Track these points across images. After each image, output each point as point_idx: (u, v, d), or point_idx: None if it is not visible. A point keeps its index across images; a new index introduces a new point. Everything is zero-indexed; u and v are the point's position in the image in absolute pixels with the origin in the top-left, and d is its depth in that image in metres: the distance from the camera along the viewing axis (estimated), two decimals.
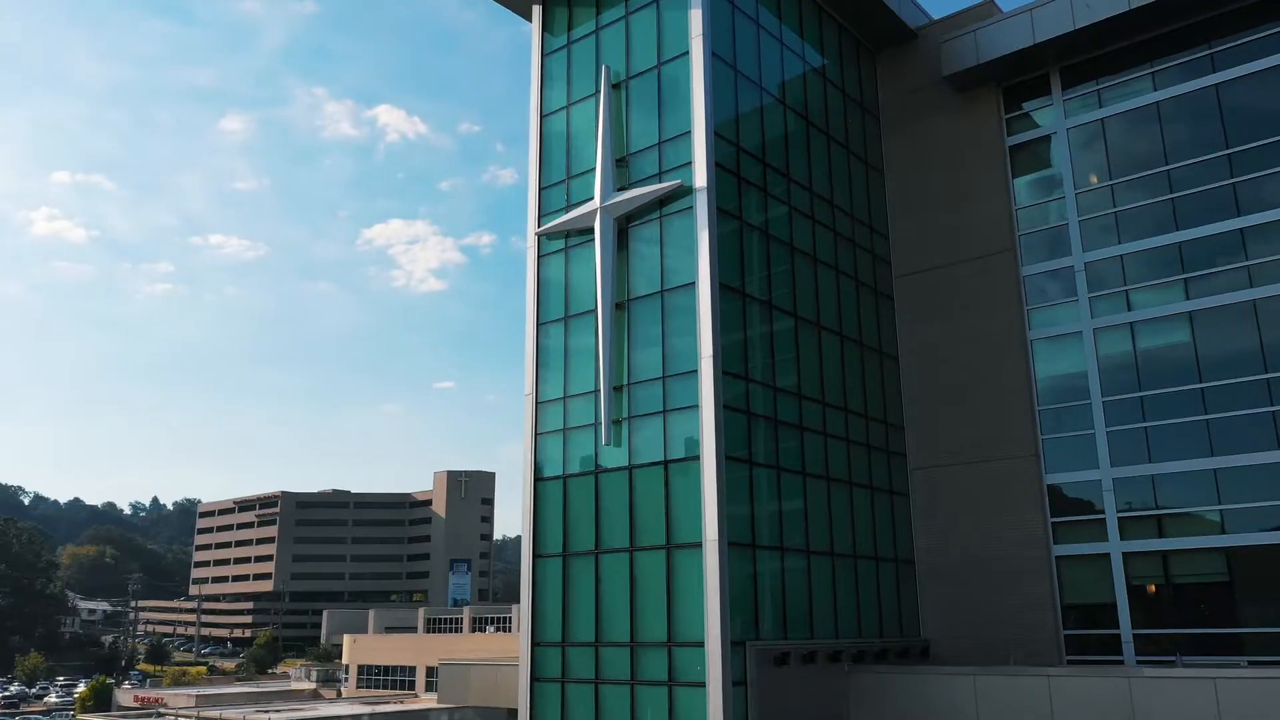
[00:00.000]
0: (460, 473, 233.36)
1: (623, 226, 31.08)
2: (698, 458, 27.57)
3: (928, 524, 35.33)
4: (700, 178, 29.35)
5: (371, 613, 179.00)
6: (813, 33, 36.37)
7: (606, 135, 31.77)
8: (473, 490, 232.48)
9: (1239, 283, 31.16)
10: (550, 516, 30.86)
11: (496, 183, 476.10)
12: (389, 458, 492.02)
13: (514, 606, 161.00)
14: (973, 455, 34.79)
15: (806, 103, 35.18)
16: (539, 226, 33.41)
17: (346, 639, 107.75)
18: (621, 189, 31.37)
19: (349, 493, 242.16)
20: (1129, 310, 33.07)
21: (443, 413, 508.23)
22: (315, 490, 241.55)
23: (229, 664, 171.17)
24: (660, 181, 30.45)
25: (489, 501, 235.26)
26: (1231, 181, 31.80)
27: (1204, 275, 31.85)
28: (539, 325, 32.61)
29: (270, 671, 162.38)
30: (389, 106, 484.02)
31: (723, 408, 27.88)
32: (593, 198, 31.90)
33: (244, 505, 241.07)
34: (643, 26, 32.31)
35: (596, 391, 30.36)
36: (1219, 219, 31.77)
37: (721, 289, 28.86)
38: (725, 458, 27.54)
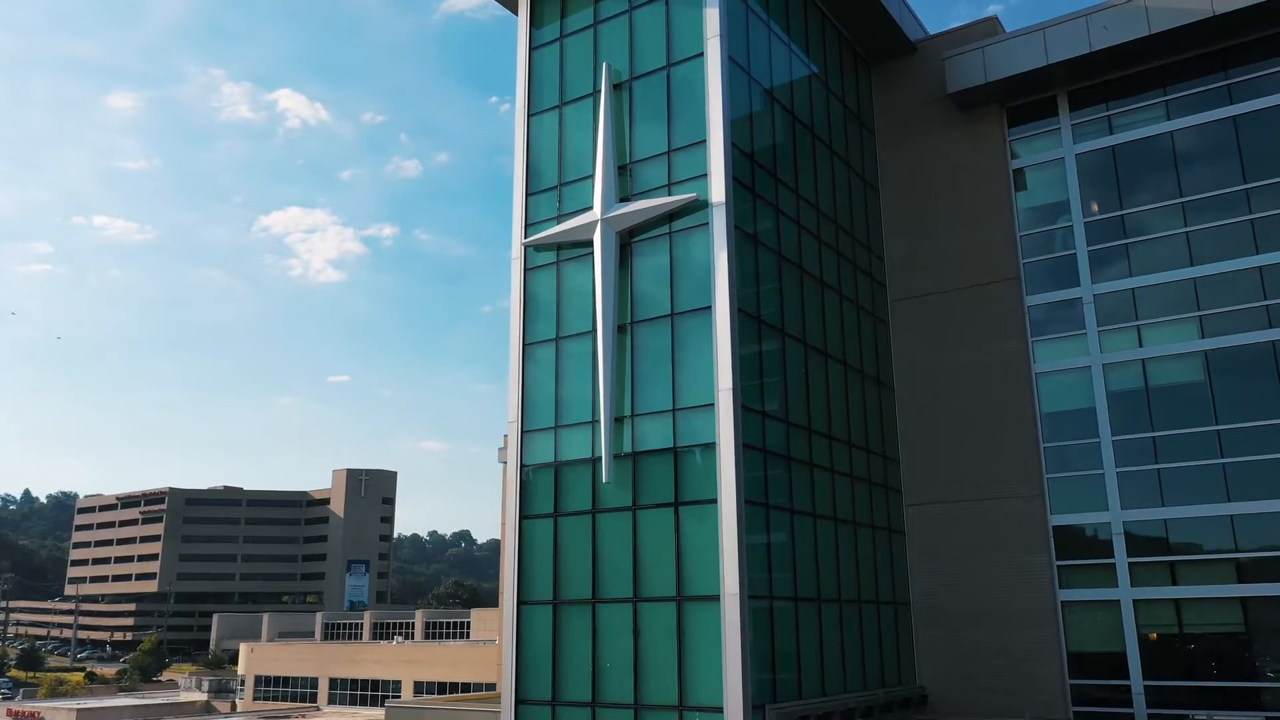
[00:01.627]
0: (361, 471, 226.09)
1: (625, 241, 28.32)
2: (715, 501, 25.03)
3: (925, 565, 33.57)
4: (718, 192, 26.82)
5: (266, 617, 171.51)
6: (816, 39, 34.22)
7: (608, 140, 28.97)
8: (373, 489, 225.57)
9: (1257, 323, 30.18)
10: (539, 559, 27.92)
11: (400, 174, 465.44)
12: (283, 453, 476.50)
13: (418, 613, 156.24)
14: (973, 492, 33.16)
15: (812, 113, 33.00)
16: (526, 237, 30.37)
17: (244, 648, 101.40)
18: (624, 199, 28.61)
19: (241, 489, 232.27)
20: (1140, 346, 31.84)
21: (338, 407, 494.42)
22: (205, 487, 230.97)
23: (109, 670, 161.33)
24: (670, 194, 27.80)
25: (390, 501, 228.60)
26: (1250, 218, 30.83)
27: (1220, 313, 30.79)
28: (525, 346, 29.60)
29: (156, 679, 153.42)
30: (289, 91, 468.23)
31: (742, 446, 25.41)
32: (590, 207, 29.07)
33: (128, 501, 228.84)
34: (649, 23, 29.60)
35: (595, 423, 27.55)
36: (1236, 256, 30.75)
37: (739, 315, 26.39)
38: (745, 501, 25.09)
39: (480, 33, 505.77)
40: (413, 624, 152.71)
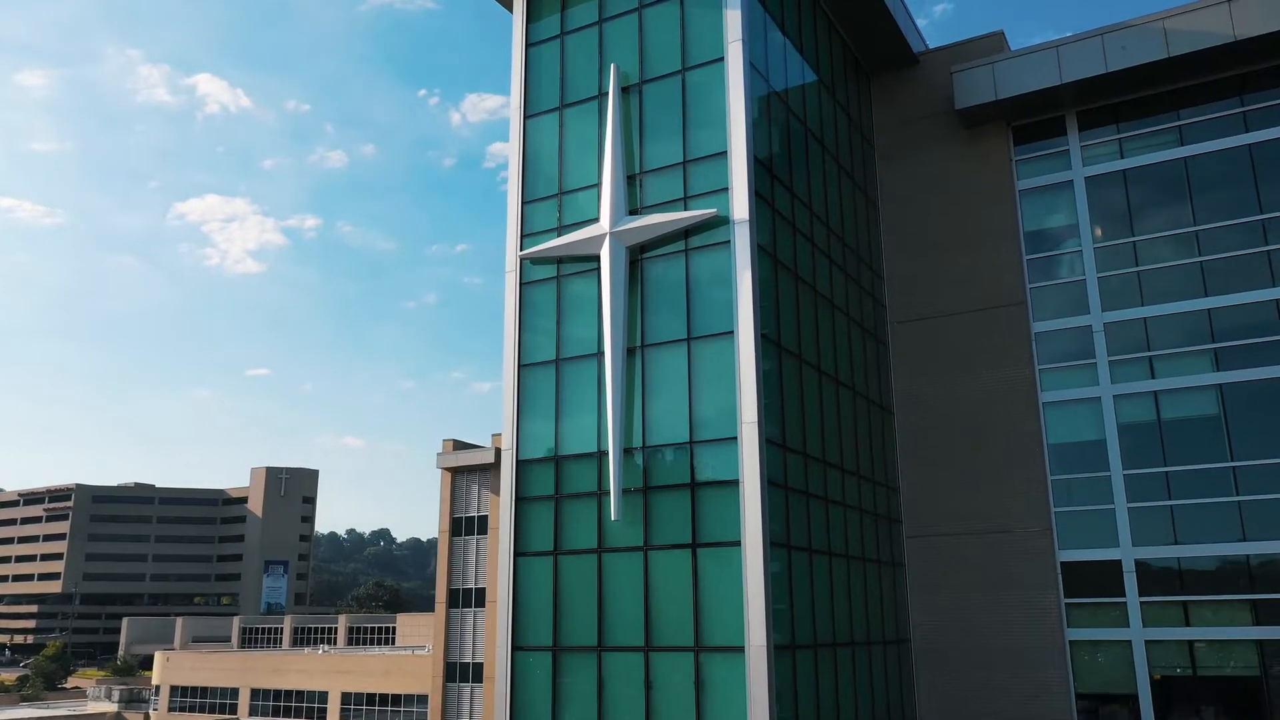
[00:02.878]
0: (281, 469, 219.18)
1: (635, 257, 26.25)
2: (738, 543, 23.14)
3: (925, 600, 32.20)
4: (740, 208, 24.93)
5: (180, 621, 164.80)
6: (823, 46, 32.57)
7: (616, 147, 26.86)
8: (293, 488, 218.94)
9: (1273, 357, 29.43)
10: (536, 601, 25.67)
11: (324, 164, 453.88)
12: (198, 448, 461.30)
13: (341, 617, 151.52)
14: (977, 525, 31.90)
15: (821, 124, 31.34)
16: (523, 248, 28.08)
17: (159, 656, 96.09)
18: (633, 212, 26.54)
19: (153, 487, 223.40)
20: (1152, 378, 30.91)
21: (256, 401, 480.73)
22: (115, 484, 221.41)
23: (9, 676, 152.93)
24: (686, 208, 25.81)
25: (311, 500, 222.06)
26: (1266, 249, 30.10)
27: (1236, 346, 30.00)
28: (521, 368, 27.30)
29: (60, 686, 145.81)
30: (210, 76, 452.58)
31: (767, 483, 23.56)
32: (596, 219, 26.93)
33: (30, 498, 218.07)
34: (661, 23, 27.57)
35: (601, 454, 25.42)
36: (1253, 288, 29.99)
37: (762, 341, 24.55)
38: (770, 543, 23.25)
39: (410, 24, 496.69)
40: (335, 629, 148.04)
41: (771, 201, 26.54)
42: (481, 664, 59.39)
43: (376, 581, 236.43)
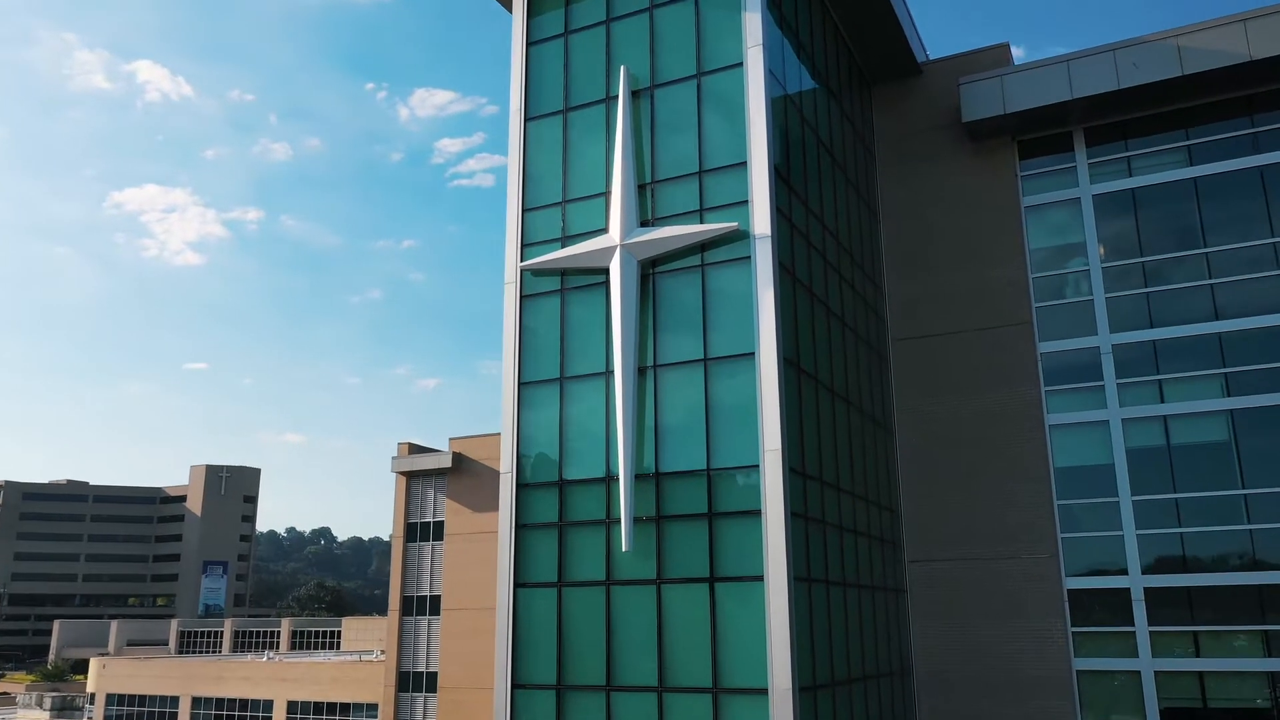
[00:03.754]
0: (221, 468, 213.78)
1: (646, 271, 24.84)
2: (760, 577, 21.86)
3: (927, 627, 31.25)
4: (762, 222, 23.65)
5: (114, 624, 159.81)
6: (830, 52, 31.46)
7: (627, 154, 25.43)
8: (234, 487, 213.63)
9: None
10: (538, 635, 24.12)
11: (269, 156, 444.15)
12: (133, 444, 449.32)
13: (284, 620, 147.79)
14: (981, 550, 31.04)
15: (830, 134, 30.22)
16: (524, 259, 26.51)
17: (94, 663, 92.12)
18: (645, 224, 25.13)
19: (87, 484, 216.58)
20: (1162, 402, 30.29)
21: (195, 396, 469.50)
22: (46, 480, 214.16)
23: None
24: (702, 220, 24.47)
25: (252, 499, 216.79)
26: (1278, 274, 29.62)
27: (1247, 372, 29.49)
28: (521, 386, 25.73)
29: None
30: (150, 63, 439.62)
31: (791, 514, 22.32)
32: (604, 230, 25.48)
33: None
34: (674, 24, 26.19)
35: (610, 480, 23.98)
36: (1265, 312, 29.50)
37: (785, 364, 23.30)
38: (795, 578, 22.01)
39: (359, 16, 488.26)
40: (278, 632, 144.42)
41: (789, 215, 25.32)
42: (435, 673, 57.74)
43: (318, 582, 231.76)
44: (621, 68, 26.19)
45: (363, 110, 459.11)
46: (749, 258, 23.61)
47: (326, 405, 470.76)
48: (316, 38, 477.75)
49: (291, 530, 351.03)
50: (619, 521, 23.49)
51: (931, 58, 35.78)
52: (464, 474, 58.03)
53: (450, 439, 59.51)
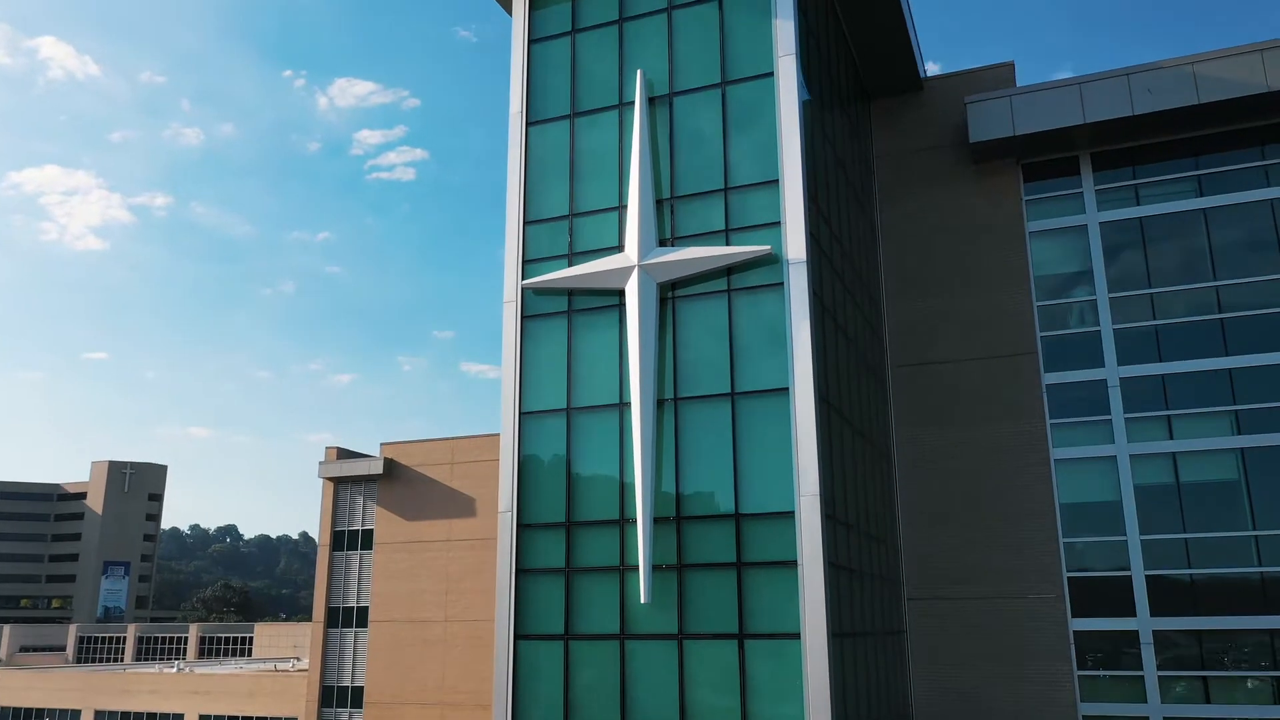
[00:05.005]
0: (125, 464, 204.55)
1: (665, 294, 22.85)
2: (797, 635, 20.06)
3: (926, 669, 29.92)
4: (796, 246, 21.87)
5: (6, 629, 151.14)
6: (839, 64, 29.88)
7: (645, 167, 23.40)
8: (138, 484, 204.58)
9: None
10: (542, 694, 21.91)
11: (179, 141, 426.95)
12: (27, 436, 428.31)
13: (192, 626, 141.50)
14: (983, 589, 29.83)
15: (842, 149, 28.63)
16: (525, 276, 24.26)
17: None
18: (664, 243, 23.13)
19: None
20: (1171, 439, 29.48)
21: (94, 387, 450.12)
22: None
23: None
24: (728, 241, 22.58)
25: (158, 497, 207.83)
26: None
27: (1258, 409, 28.83)
28: (522, 415, 23.49)
29: None
30: (54, 39, 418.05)
31: (829, 565, 20.59)
32: (617, 248, 23.41)
33: None
34: (695, 27, 24.25)
35: (625, 522, 21.92)
36: (1275, 349, 28.87)
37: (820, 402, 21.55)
38: (833, 635, 20.28)
39: (279, 0, 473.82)
40: (186, 639, 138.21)
41: (818, 237, 23.60)
42: (361, 688, 55.44)
43: (224, 582, 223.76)
44: (638, 72, 24.14)
45: (280, 98, 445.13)
46: (782, 284, 21.81)
47: (234, 399, 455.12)
48: (234, 21, 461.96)
49: (195, 527, 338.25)
50: (636, 569, 21.45)
51: (928, 73, 34.53)
52: (396, 481, 55.98)
53: (382, 444, 57.37)
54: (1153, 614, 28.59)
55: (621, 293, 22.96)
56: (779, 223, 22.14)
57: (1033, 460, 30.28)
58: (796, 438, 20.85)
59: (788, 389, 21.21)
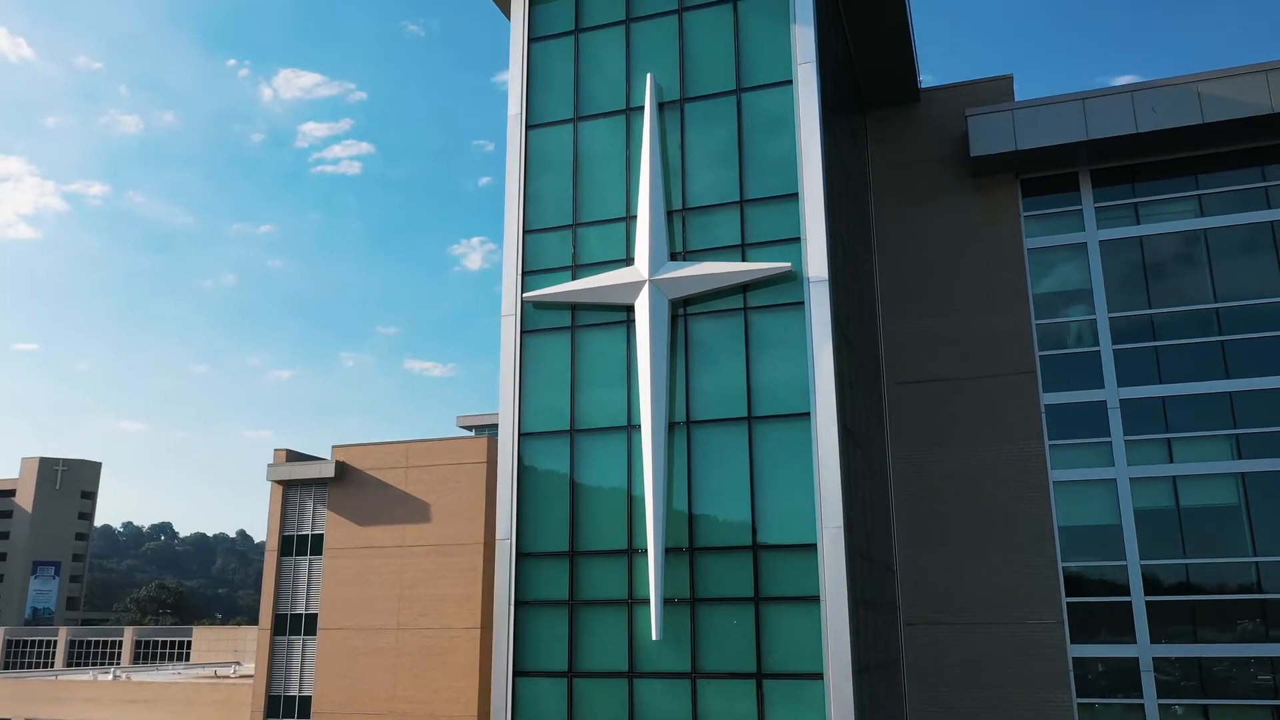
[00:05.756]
0: (56, 460, 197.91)
1: (677, 311, 21.67)
2: (820, 675, 19.03)
3: (923, 697, 29.13)
4: (817, 264, 20.85)
5: None
6: (842, 73, 28.94)
7: (656, 176, 22.20)
8: (70, 481, 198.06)
9: None
10: None
11: (116, 128, 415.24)
12: None
13: (127, 630, 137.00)
14: (981, 614, 29.13)
15: (846, 160, 27.69)
16: (526, 288, 22.91)
17: None
18: (675, 257, 21.95)
19: None
20: (1171, 462, 29.05)
21: (23, 379, 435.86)
22: None
23: None
24: (744, 256, 21.48)
25: (90, 495, 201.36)
26: None
27: (1259, 434, 28.51)
28: (522, 437, 22.15)
29: None
30: None
31: (856, 602, 19.59)
32: (625, 261, 22.19)
33: None
34: (709, 30, 23.11)
35: (633, 552, 20.70)
36: (1275, 373, 28.58)
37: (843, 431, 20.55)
38: (856, 673, 19.27)
39: None
40: (120, 642, 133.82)
41: (836, 253, 22.59)
42: (309, 698, 53.87)
43: (158, 582, 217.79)
44: (648, 75, 22.94)
45: (222, 87, 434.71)
46: (802, 304, 20.77)
47: (170, 393, 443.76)
48: (175, 6, 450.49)
49: (128, 525, 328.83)
50: (645, 603, 20.25)
51: (924, 83, 33.79)
52: (348, 484, 54.56)
53: (333, 447, 55.96)
54: (1153, 640, 28.11)
55: (630, 309, 21.74)
56: (799, 239, 21.10)
57: (1032, 482, 29.66)
58: (818, 466, 19.82)
59: (809, 414, 20.18)
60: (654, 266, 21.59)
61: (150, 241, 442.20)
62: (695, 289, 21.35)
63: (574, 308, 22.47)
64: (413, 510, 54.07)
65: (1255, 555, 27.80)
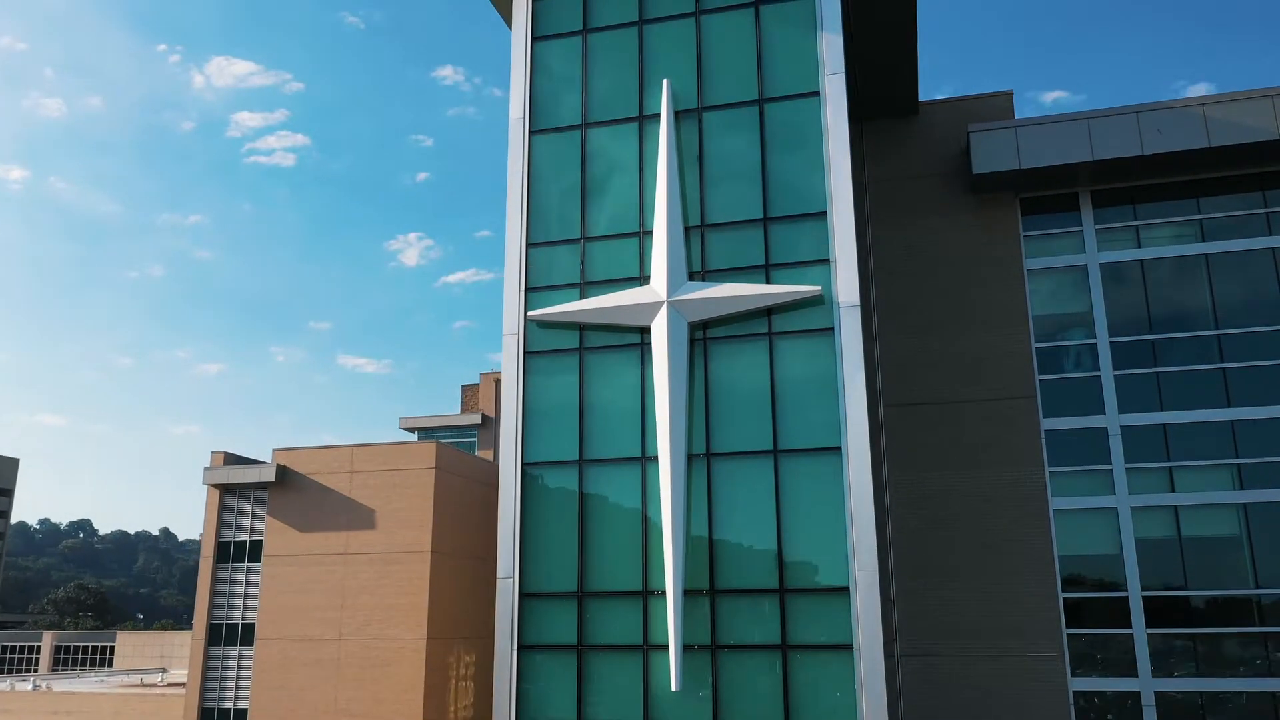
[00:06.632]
0: None
1: (696, 335, 20.29)
2: None
3: None
4: (848, 288, 19.64)
5: None
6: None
7: (673, 189, 20.78)
8: None
9: None
10: None
11: (39, 112, 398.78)
12: None
13: (46, 634, 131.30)
14: (980, 646, 28.25)
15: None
16: (530, 306, 21.32)
17: None
18: (693, 276, 20.57)
19: None
20: (1173, 491, 28.51)
21: None
22: None
23: None
24: (767, 279, 20.18)
25: (8, 492, 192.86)
26: None
27: (1261, 464, 28.10)
28: (525, 467, 20.56)
29: None
30: None
31: (890, 654, 18.40)
32: (639, 280, 20.74)
33: None
34: (727, 36, 21.76)
35: (649, 594, 19.26)
36: (1277, 402, 28.21)
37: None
38: None
39: None
40: (39, 648, 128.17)
41: (865, 276, 21.38)
42: (245, 710, 51.67)
43: (78, 582, 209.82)
44: (664, 82, 21.50)
45: (152, 73, 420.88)
46: (831, 329, 19.53)
47: (91, 386, 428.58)
48: None
49: (45, 522, 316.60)
50: (663, 649, 18.82)
51: (922, 97, 32.93)
52: (289, 489, 52.32)
53: (274, 450, 53.70)
54: (1155, 674, 27.52)
55: (644, 331, 20.30)
56: (828, 260, 19.88)
57: (1032, 510, 28.89)
58: (851, 504, 18.63)
59: (839, 448, 18.95)
60: (672, 286, 20.17)
61: (73, 230, 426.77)
62: (717, 312, 20.00)
63: (582, 328, 20.93)
64: (357, 516, 52.36)
65: (1257, 588, 27.36)
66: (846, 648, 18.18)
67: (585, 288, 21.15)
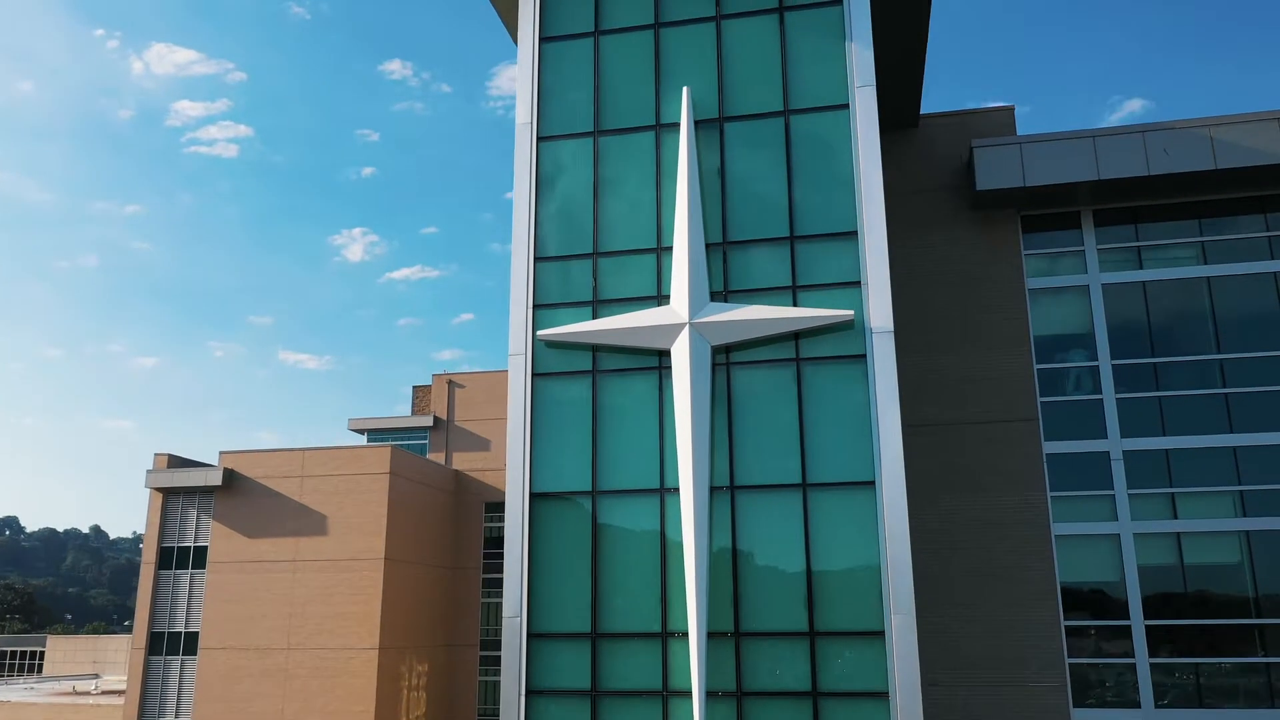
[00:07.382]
0: None
1: (718, 359, 19.13)
2: None
3: None
4: (881, 312, 18.62)
5: None
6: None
7: (694, 203, 19.60)
8: None
9: None
10: None
11: None
12: None
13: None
14: (980, 675, 27.54)
15: None
16: (538, 326, 19.97)
17: None
18: (715, 297, 19.41)
19: None
20: (1175, 518, 28.05)
21: None
22: None
23: None
24: (794, 301, 19.10)
25: None
26: None
27: (1263, 490, 27.76)
28: (533, 498, 19.21)
29: None
30: None
31: (923, 699, 17.42)
32: (659, 298, 19.53)
33: None
34: (750, 43, 20.64)
35: (668, 635, 18.06)
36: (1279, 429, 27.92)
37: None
38: None
39: None
40: None
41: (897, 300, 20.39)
42: None
43: (4, 582, 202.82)
44: (684, 90, 20.30)
45: (88, 58, 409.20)
46: (864, 356, 18.49)
47: (19, 378, 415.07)
48: None
49: None
50: (684, 695, 17.63)
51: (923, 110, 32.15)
52: (236, 493, 50.92)
53: (221, 453, 52.31)
54: (1157, 705, 27.01)
55: (664, 354, 19.07)
56: (859, 283, 18.84)
57: (1033, 535, 28.24)
58: (885, 543, 17.58)
59: (874, 482, 17.91)
60: (694, 308, 18.98)
61: (2, 217, 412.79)
62: (742, 335, 18.84)
63: (595, 349, 19.65)
64: (308, 522, 50.96)
65: (1258, 618, 27.00)
66: (883, 695, 17.14)
67: (598, 306, 19.87)
